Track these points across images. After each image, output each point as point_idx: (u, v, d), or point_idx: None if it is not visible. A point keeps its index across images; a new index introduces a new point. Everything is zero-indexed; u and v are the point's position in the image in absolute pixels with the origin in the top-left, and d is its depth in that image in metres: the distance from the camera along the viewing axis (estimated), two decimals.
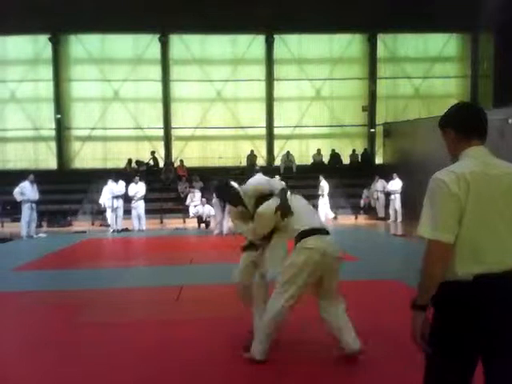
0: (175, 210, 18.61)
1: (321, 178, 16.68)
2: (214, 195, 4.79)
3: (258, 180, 4.63)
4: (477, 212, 2.13)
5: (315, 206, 15.51)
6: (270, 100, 22.53)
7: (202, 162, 22.32)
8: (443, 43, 22.91)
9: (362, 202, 18.84)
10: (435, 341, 2.19)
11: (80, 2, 20.09)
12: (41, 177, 15.82)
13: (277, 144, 23.00)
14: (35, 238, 14.16)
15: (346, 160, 22.05)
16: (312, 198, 16.74)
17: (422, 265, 2.18)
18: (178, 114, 22.72)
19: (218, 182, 5.05)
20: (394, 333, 4.75)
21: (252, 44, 22.41)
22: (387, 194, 17.54)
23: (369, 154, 22.65)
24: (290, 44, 22.47)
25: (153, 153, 21.73)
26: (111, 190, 15.49)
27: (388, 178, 17.50)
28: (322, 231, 4.11)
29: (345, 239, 10.12)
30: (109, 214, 15.62)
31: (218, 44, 22.37)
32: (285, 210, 4.13)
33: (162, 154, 22.47)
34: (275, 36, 22.21)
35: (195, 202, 16.41)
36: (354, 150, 22.12)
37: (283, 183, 4.68)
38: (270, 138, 22.88)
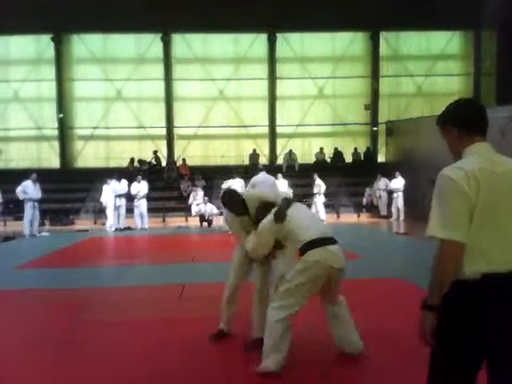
0: (177, 208, 18.64)
1: (315, 176, 16.70)
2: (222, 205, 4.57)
3: (263, 185, 4.52)
4: (486, 211, 2.09)
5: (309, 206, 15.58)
6: (272, 99, 22.51)
7: (205, 161, 22.33)
8: (446, 41, 22.85)
9: (365, 201, 18.82)
10: (440, 340, 2.16)
11: (82, 1, 20.11)
12: (43, 176, 15.86)
13: (279, 143, 22.99)
14: (38, 237, 14.20)
15: (348, 158, 22.03)
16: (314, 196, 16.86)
17: (434, 264, 2.14)
18: (180, 113, 22.73)
19: (225, 191, 4.81)
20: (397, 332, 4.75)
21: (254, 43, 22.39)
22: (390, 193, 17.53)
23: (371, 153, 22.62)
24: (292, 42, 22.45)
25: (155, 152, 21.74)
26: (114, 188, 15.54)
27: (390, 177, 17.49)
28: (327, 241, 3.88)
29: (347, 237, 10.10)
30: (109, 213, 15.63)
31: (220, 43, 22.36)
32: (280, 215, 3.99)
33: (165, 152, 22.48)
34: (277, 34, 22.18)
35: (198, 201, 16.44)
36: (355, 149, 22.09)
37: (288, 193, 4.63)
38: (273, 136, 22.86)
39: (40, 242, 13.38)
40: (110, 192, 15.47)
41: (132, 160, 21.08)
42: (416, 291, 6.24)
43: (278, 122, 22.73)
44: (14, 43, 21.98)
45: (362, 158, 22.16)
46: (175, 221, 17.68)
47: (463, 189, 2.07)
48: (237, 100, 22.78)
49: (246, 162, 21.41)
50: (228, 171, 16.04)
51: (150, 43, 22.16)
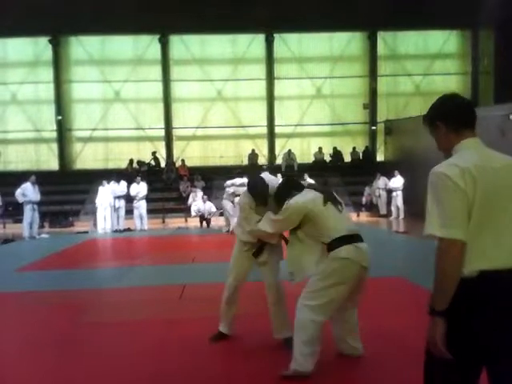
0: (177, 209, 18.66)
1: (305, 176, 16.57)
2: (246, 191, 4.35)
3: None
4: (484, 208, 2.02)
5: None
6: (270, 99, 22.53)
7: (204, 162, 22.34)
8: (443, 40, 22.89)
9: (364, 200, 18.84)
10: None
11: (80, 3, 20.10)
12: (42, 178, 15.87)
13: (278, 143, 23.01)
14: (37, 239, 14.20)
15: (347, 158, 22.05)
16: None
17: (437, 266, 2.03)
18: (178, 114, 22.75)
19: (253, 177, 4.62)
20: (397, 331, 4.76)
21: (252, 43, 22.41)
22: (389, 192, 17.55)
23: (370, 152, 22.65)
24: (290, 43, 22.47)
25: (154, 153, 21.75)
26: (113, 190, 15.55)
27: (390, 176, 17.52)
28: (356, 238, 3.76)
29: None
30: (99, 215, 15.60)
31: (217, 44, 22.38)
32: (327, 196, 3.86)
33: (164, 153, 22.50)
34: (275, 35, 22.21)
35: (197, 201, 16.45)
36: (354, 148, 22.12)
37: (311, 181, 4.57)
38: (271, 136, 22.88)
39: (40, 244, 13.37)
40: (105, 194, 15.45)
41: (131, 161, 21.08)
42: (416, 290, 6.26)
43: (277, 122, 22.75)
44: (12, 45, 22.01)
45: (361, 158, 22.20)
46: (175, 222, 17.68)
47: (459, 186, 2.00)
48: (235, 100, 22.80)
49: (245, 162, 21.43)
50: (227, 171, 16.08)
51: (147, 44, 22.18)
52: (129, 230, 15.64)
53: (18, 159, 22.13)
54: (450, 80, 22.96)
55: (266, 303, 4.49)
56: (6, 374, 4.11)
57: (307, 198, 3.85)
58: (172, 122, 22.64)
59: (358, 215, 18.70)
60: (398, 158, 19.83)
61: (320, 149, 21.90)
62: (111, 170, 19.85)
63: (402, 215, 17.04)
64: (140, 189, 15.78)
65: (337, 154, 21.90)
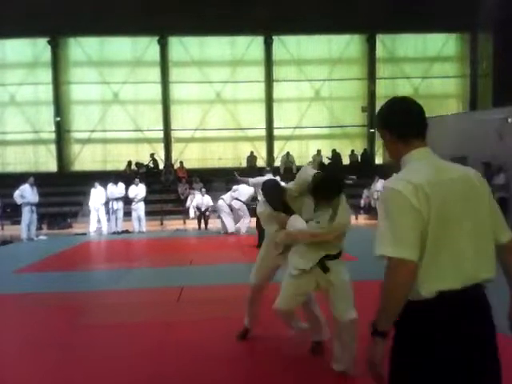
0: (175, 211, 18.62)
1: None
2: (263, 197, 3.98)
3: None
4: (439, 227, 1.89)
5: None
6: (269, 101, 22.54)
7: (202, 164, 22.34)
8: (442, 43, 22.93)
9: (362, 202, 18.86)
10: (406, 367, 1.94)
11: (79, 4, 20.09)
12: (41, 179, 15.87)
13: (277, 145, 23.01)
14: (36, 241, 14.19)
15: (345, 160, 22.06)
16: None
17: (385, 287, 1.92)
18: (177, 116, 22.75)
19: (269, 183, 4.35)
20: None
21: (251, 45, 22.43)
22: None
23: (368, 155, 22.67)
24: (288, 45, 22.49)
25: (152, 155, 21.74)
26: (111, 192, 15.54)
27: (388, 178, 17.48)
28: None
29: (345, 239, 10.09)
30: (92, 218, 15.55)
31: (216, 46, 22.38)
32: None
33: (162, 155, 22.48)
34: (274, 37, 22.23)
35: (196, 196, 16.42)
36: (353, 151, 22.15)
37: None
38: (270, 139, 22.89)
39: (38, 245, 13.36)
40: (97, 196, 15.40)
41: (129, 163, 21.06)
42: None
43: (276, 124, 22.76)
44: (11, 47, 21.97)
45: (360, 160, 22.20)
46: (173, 224, 17.65)
47: (413, 204, 1.86)
48: (234, 102, 22.80)
49: (244, 164, 21.43)
50: (225, 174, 16.07)
51: (146, 46, 22.18)
52: (127, 231, 15.62)
53: (16, 161, 22.10)
54: (448, 83, 23.01)
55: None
56: (3, 375, 4.10)
57: None
58: (171, 124, 22.63)
59: (357, 218, 18.69)
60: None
61: (319, 151, 21.88)
62: (109, 171, 19.80)
63: None
64: (138, 191, 15.76)
65: (335, 156, 21.90)
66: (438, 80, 22.80)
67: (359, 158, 22.29)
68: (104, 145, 22.72)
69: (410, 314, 1.92)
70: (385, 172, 18.49)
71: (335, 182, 3.91)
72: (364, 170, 20.81)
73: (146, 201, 16.28)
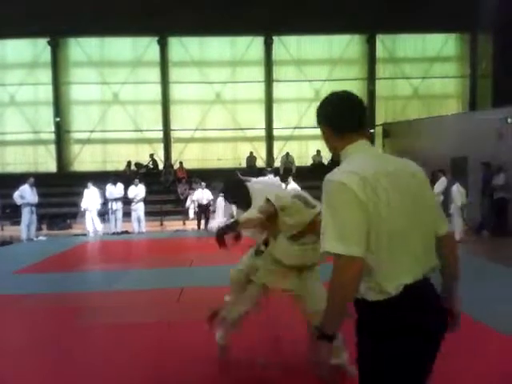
0: (175, 212, 18.62)
1: (289, 179, 16.27)
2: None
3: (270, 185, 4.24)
4: (389, 220, 1.84)
5: None
6: (269, 101, 22.54)
7: (202, 164, 22.32)
8: (442, 43, 22.93)
9: None
10: (382, 367, 1.90)
11: (79, 5, 20.08)
12: (40, 180, 15.84)
13: (276, 145, 23.00)
14: (35, 241, 14.18)
15: None
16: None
17: (334, 285, 1.82)
18: (177, 116, 22.74)
19: (229, 179, 4.39)
20: None
21: (251, 46, 22.42)
22: None
23: None
24: (288, 45, 22.49)
25: (152, 155, 21.73)
26: (111, 192, 15.54)
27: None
28: None
29: None
30: (87, 218, 15.46)
31: (216, 46, 22.37)
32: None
33: (162, 156, 22.48)
34: (274, 37, 22.21)
35: (196, 191, 16.31)
36: None
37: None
38: (270, 139, 22.88)
39: (37, 246, 13.36)
40: (91, 197, 15.32)
41: (129, 163, 21.06)
42: None
43: (275, 124, 22.76)
44: (11, 47, 21.94)
45: None
46: (173, 224, 17.64)
47: (359, 197, 1.80)
48: (233, 103, 22.79)
49: (243, 164, 21.43)
50: (225, 174, 15.95)
51: (146, 46, 22.17)
52: (126, 232, 15.61)
53: (16, 161, 22.09)
54: (448, 83, 23.00)
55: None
56: (3, 375, 4.09)
57: None
58: (170, 124, 22.62)
59: None
60: None
61: (318, 152, 21.87)
62: (109, 172, 19.77)
63: None
64: (138, 191, 15.76)
65: (335, 156, 21.86)
66: (437, 80, 22.79)
67: None
68: (104, 145, 22.71)
69: (374, 313, 1.88)
70: None
71: (231, 188, 4.10)
72: None
73: (146, 201, 16.27)
